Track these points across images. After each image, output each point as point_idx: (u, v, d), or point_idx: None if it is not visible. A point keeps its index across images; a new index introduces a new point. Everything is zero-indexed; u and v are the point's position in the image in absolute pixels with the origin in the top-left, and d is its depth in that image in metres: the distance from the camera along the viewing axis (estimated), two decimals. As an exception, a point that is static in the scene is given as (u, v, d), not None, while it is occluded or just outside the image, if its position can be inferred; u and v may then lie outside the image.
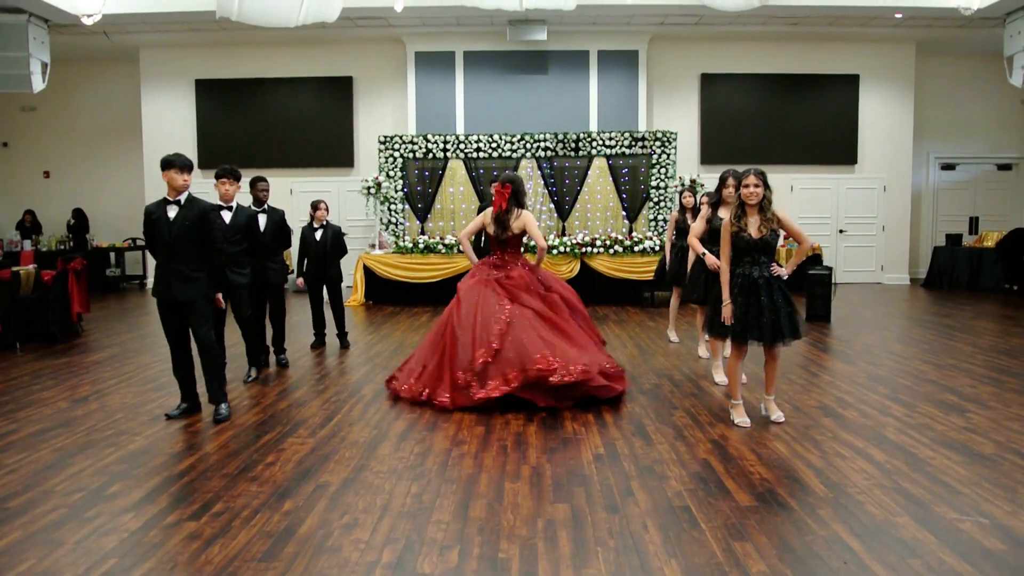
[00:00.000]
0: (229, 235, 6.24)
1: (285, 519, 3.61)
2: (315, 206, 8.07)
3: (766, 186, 4.92)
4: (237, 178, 6.50)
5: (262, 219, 6.93)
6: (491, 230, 6.12)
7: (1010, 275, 13.02)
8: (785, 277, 4.99)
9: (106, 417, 5.46)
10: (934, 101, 14.78)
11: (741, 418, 5.16)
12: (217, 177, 6.42)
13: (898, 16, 12.20)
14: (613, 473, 4.23)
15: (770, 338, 4.93)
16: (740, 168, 5.58)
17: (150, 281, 5.98)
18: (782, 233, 5.12)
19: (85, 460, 4.51)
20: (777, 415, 5.21)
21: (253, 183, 7.11)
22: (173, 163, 5.20)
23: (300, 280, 8.07)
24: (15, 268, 8.43)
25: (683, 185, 12.26)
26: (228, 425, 5.23)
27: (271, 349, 7.40)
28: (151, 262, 5.32)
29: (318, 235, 7.98)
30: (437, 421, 5.28)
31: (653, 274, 9.10)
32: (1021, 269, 12.90)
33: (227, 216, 6.38)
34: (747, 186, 4.92)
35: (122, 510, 3.73)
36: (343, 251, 8.26)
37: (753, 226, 4.96)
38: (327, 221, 8.12)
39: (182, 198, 5.24)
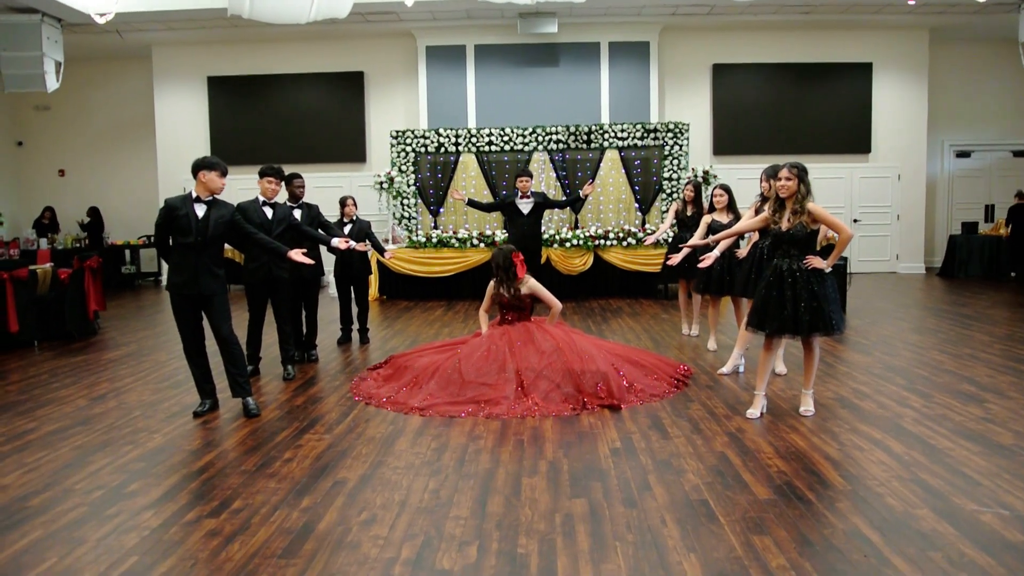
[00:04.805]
0: (272, 230, 6.33)
1: (304, 516, 3.63)
2: (343, 202, 8.10)
3: (801, 180, 4.91)
4: (281, 176, 6.61)
5: (298, 214, 6.98)
6: (505, 293, 6.18)
7: (1016, 261, 12.94)
8: (826, 270, 4.95)
9: (124, 415, 5.50)
10: (948, 88, 14.63)
11: (751, 409, 5.18)
12: (263, 175, 6.47)
13: (911, 3, 12.06)
14: (630, 467, 4.23)
15: (791, 330, 4.94)
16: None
17: (165, 278, 6.00)
18: (824, 228, 5.11)
19: (104, 458, 4.54)
20: (804, 408, 5.19)
21: (289, 179, 7.13)
22: (217, 166, 5.29)
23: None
24: (32, 267, 8.48)
25: (695, 176, 12.21)
26: (245, 422, 5.26)
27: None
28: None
29: (347, 231, 7.94)
30: (453, 417, 5.28)
31: (660, 267, 8.99)
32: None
33: (268, 212, 6.46)
34: (779, 179, 4.96)
35: (142, 508, 3.76)
36: (379, 249, 8.23)
37: (785, 219, 4.98)
38: (356, 216, 8.14)
39: (212, 197, 5.31)
